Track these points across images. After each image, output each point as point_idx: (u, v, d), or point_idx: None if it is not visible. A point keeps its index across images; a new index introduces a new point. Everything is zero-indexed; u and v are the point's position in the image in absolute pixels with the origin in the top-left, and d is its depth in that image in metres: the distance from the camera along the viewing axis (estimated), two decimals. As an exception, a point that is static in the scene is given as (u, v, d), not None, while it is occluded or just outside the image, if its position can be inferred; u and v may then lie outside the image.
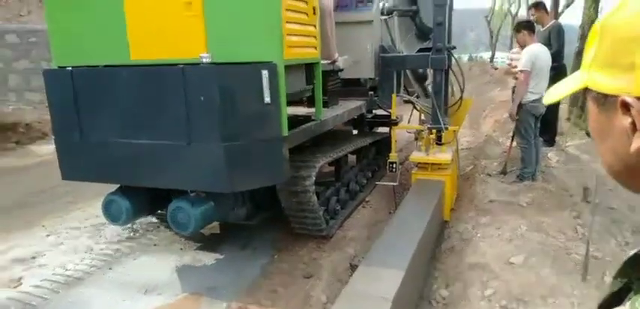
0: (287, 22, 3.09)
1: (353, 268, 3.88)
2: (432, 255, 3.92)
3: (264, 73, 2.95)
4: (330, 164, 4.57)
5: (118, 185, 3.57)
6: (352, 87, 5.10)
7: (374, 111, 5.29)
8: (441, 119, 4.55)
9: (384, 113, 5.20)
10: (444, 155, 4.45)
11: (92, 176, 3.44)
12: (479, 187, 4.87)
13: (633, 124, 0.55)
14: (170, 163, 3.11)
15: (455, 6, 5.49)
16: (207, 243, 4.34)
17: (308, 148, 4.02)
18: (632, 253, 0.63)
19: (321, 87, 3.81)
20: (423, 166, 4.50)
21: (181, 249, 4.23)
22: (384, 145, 5.64)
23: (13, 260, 4.11)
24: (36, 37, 10.29)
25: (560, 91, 0.69)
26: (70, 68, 3.20)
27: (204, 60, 2.91)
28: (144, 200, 3.55)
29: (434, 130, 4.57)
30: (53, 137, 3.46)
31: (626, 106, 0.55)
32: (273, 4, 2.95)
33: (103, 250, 4.26)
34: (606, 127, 0.60)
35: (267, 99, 2.97)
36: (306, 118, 3.85)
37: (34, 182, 6.28)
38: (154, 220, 4.79)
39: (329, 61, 4.21)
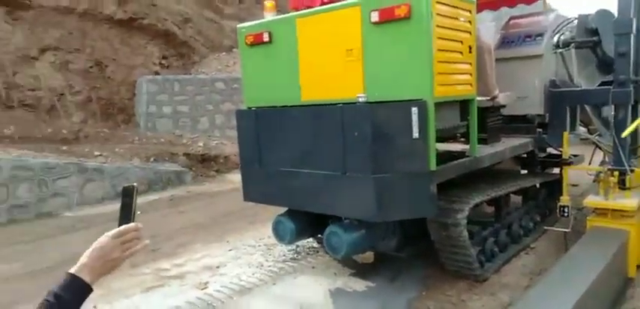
0: (439, 61, 3.18)
1: (508, 317, 3.63)
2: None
3: (414, 110, 3.07)
4: (489, 203, 4.38)
5: (286, 208, 4.06)
6: (519, 124, 4.82)
7: (548, 149, 4.89)
8: (624, 160, 3.97)
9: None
10: (628, 201, 3.85)
11: (266, 199, 4.02)
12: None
13: None
14: (327, 191, 3.45)
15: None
16: (360, 271, 4.54)
17: (465, 183, 3.95)
18: None
19: (478, 123, 3.74)
20: (601, 212, 3.97)
21: (335, 274, 4.52)
22: (557, 187, 5.12)
23: (203, 267, 4.94)
24: (238, 84, 12.24)
25: None
26: (254, 108, 3.85)
27: (360, 99, 3.20)
28: (306, 223, 3.97)
29: (616, 172, 4.01)
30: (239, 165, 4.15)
31: None
32: (425, 46, 3.08)
33: (271, 267, 4.82)
34: None
35: (416, 134, 3.08)
36: (461, 154, 3.81)
37: (226, 205, 7.43)
38: (315, 244, 5.24)
39: (487, 98, 4.10)
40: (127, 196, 1.33)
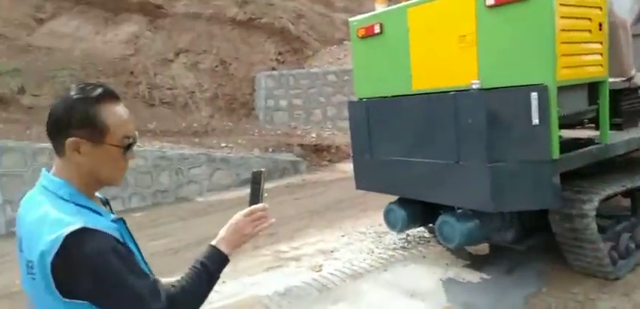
0: (562, 42, 2.97)
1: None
2: None
3: (533, 95, 2.92)
4: (625, 195, 3.97)
5: (397, 197, 4.12)
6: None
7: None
8: None
9: None
10: None
11: (378, 188, 4.12)
12: None
13: None
14: (440, 180, 3.44)
15: None
16: (474, 262, 4.42)
17: (597, 173, 3.63)
18: None
19: (611, 107, 3.42)
20: None
21: (447, 264, 4.46)
22: None
23: (318, 251, 5.22)
24: (348, 76, 12.49)
25: None
26: (365, 99, 3.97)
27: (473, 86, 3.13)
28: (417, 212, 3.99)
29: None
30: (351, 155, 4.30)
31: None
32: (546, 27, 2.91)
33: (381, 255, 4.91)
34: None
35: (536, 121, 2.93)
36: (589, 142, 3.51)
37: (338, 193, 7.70)
38: (426, 234, 5.21)
39: (623, 79, 3.70)
40: (256, 179, 1.51)
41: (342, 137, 11.51)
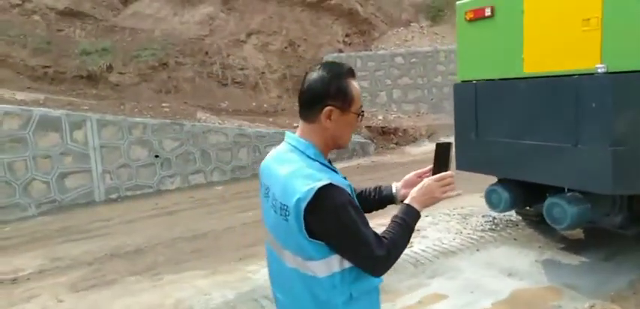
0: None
1: None
2: None
3: (664, 79, 2.92)
4: None
5: (497, 179, 4.20)
6: None
7: None
8: None
9: None
10: None
11: (482, 168, 4.21)
12: None
13: None
14: (554, 162, 3.49)
15: None
16: (569, 245, 4.43)
17: None
18: None
19: None
20: None
21: (540, 246, 4.50)
22: None
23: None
24: (416, 58, 12.47)
25: None
26: (474, 81, 4.05)
27: (599, 70, 3.15)
28: (520, 194, 4.06)
29: None
30: (453, 135, 4.39)
31: None
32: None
33: (470, 235, 5.00)
34: None
35: (665, 105, 2.93)
36: None
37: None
38: (513, 217, 5.25)
39: None
40: (443, 149, 1.67)
41: (408, 121, 11.55)
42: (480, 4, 4.03)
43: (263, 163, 1.63)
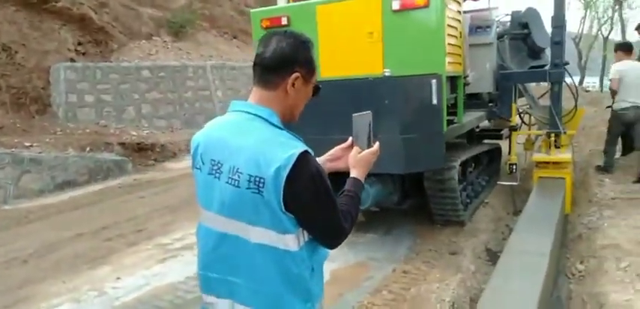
0: (448, 43, 3.94)
1: (489, 251, 4.55)
2: (561, 242, 4.49)
3: (433, 82, 3.79)
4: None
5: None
6: (473, 100, 5.82)
7: (481, 125, 6.00)
8: (559, 125, 5.15)
9: (490, 128, 5.96)
10: (564, 155, 5.04)
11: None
12: (596, 189, 5.34)
13: None
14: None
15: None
16: (358, 227, 5.14)
17: (451, 145, 4.77)
18: None
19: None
20: (543, 165, 5.11)
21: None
22: (495, 154, 6.30)
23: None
24: (164, 72, 11.96)
25: None
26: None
27: (386, 73, 3.82)
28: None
29: (552, 135, 5.17)
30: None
31: None
32: (440, 29, 3.81)
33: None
34: None
35: (435, 102, 3.80)
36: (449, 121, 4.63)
37: (185, 190, 7.43)
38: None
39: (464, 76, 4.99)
40: (362, 120, 1.76)
41: (163, 136, 10.97)
42: (276, 13, 4.28)
43: (203, 137, 1.43)
